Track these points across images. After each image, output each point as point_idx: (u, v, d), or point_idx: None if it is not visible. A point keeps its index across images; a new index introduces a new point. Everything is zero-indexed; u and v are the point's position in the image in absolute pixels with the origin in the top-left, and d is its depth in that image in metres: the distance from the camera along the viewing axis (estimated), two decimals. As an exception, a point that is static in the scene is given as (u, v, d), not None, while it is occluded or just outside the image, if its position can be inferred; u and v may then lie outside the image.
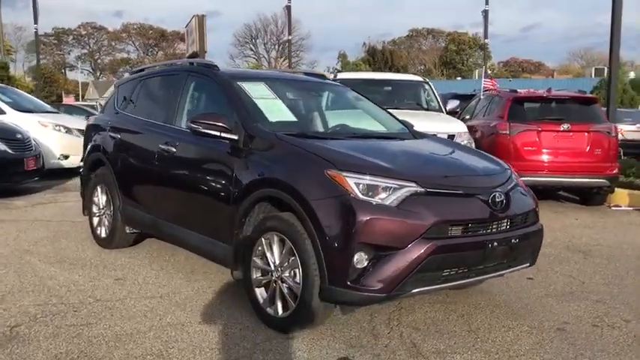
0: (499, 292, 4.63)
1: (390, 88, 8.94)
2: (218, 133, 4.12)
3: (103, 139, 5.70)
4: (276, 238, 3.74)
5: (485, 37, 26.36)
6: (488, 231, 3.60)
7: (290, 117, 4.47)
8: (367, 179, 3.42)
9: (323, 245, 3.37)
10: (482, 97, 10.31)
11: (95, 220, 5.87)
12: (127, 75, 6.90)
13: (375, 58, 46.92)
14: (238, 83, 4.55)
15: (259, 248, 3.86)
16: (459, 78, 63.31)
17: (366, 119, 4.98)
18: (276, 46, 70.99)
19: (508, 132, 8.26)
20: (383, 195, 3.39)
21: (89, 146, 5.98)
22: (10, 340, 3.50)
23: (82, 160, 9.22)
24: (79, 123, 11.30)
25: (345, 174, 3.43)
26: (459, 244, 3.45)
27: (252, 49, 72.08)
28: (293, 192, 3.55)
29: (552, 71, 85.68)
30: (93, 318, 3.90)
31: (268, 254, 3.79)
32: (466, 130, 7.87)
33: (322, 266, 3.39)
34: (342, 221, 3.32)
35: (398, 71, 49.02)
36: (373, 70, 36.55)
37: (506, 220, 3.70)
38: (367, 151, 3.85)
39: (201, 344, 3.52)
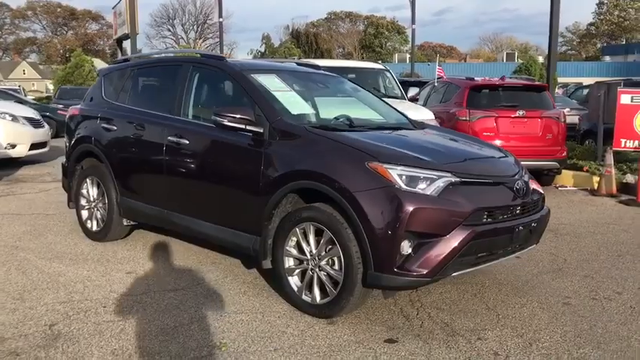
0: (497, 271, 4.96)
1: (353, 75, 9.10)
2: (243, 126, 4.17)
3: (93, 130, 5.56)
4: (312, 228, 3.87)
5: (413, 22, 27.05)
6: (515, 216, 3.90)
7: (308, 109, 4.57)
8: (409, 171, 3.61)
9: (369, 234, 3.53)
10: (436, 84, 10.72)
11: (84, 213, 5.75)
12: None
13: (300, 41, 46.94)
14: (252, 75, 4.60)
15: (293, 238, 3.97)
16: (379, 62, 64.40)
17: (369, 110, 5.15)
18: (195, 27, 69.57)
19: (468, 118, 8.68)
20: (423, 185, 3.59)
21: (75, 137, 5.81)
22: (56, 339, 3.46)
23: (34, 147, 8.84)
24: (25, 110, 10.80)
25: (386, 166, 3.61)
26: (494, 229, 3.72)
27: (169, 30, 70.27)
28: (334, 184, 3.68)
29: (465, 55, 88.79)
30: (127, 313, 3.90)
31: (303, 244, 3.92)
32: (433, 117, 8.21)
33: (367, 254, 3.56)
34: (389, 211, 3.50)
35: (322, 54, 49.35)
36: (303, 54, 36.75)
37: (526, 206, 4.01)
38: (396, 143, 4.04)
39: (249, 333, 3.62)
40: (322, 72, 5.55)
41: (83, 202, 5.75)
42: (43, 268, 4.81)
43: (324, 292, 3.85)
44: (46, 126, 11.33)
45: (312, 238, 3.88)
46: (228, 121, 4.18)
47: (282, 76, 4.84)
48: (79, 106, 6.06)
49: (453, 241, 3.53)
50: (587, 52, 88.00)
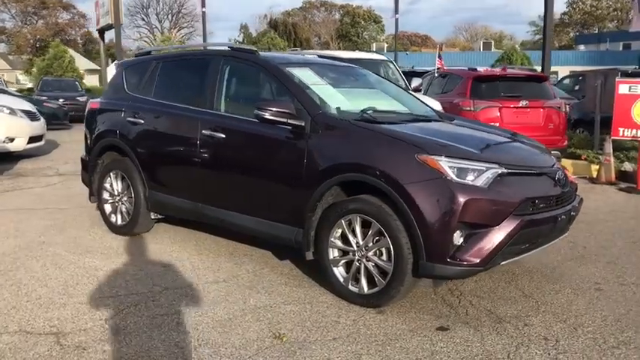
0: (523, 260, 5.04)
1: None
2: (285, 120, 4.22)
3: (117, 124, 5.54)
4: (358, 220, 3.94)
5: (396, 12, 27.07)
6: (556, 205, 4.02)
7: (345, 102, 4.62)
8: (459, 162, 3.70)
9: (421, 225, 3.61)
10: (436, 75, 10.84)
11: (107, 207, 5.74)
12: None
13: (278, 30, 46.69)
14: (288, 69, 4.63)
15: (338, 230, 4.04)
16: (357, 51, 64.46)
17: (396, 102, 5.22)
18: (169, 16, 68.58)
19: (472, 108, 8.82)
20: (472, 177, 3.68)
21: (97, 131, 5.78)
22: (116, 333, 3.49)
23: (32, 140, 8.72)
24: (22, 103, 10.65)
25: (437, 158, 3.69)
26: (540, 219, 3.84)
27: (143, 19, 69.06)
28: (384, 176, 3.75)
29: (441, 45, 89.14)
30: (177, 306, 3.93)
31: (350, 235, 3.98)
32: (441, 107, 8.32)
33: (419, 244, 3.64)
34: (442, 202, 3.59)
35: (301, 44, 49.21)
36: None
37: (565, 195, 4.14)
38: (440, 135, 4.13)
39: (304, 323, 3.68)
40: (347, 64, 5.61)
41: (106, 196, 5.74)
42: (77, 262, 4.81)
43: (371, 282, 3.93)
44: (42, 119, 11.19)
45: (358, 230, 3.95)
46: (270, 115, 4.22)
47: (314, 69, 4.89)
48: (98, 100, 6.03)
49: (504, 230, 3.63)
50: (561, 41, 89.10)
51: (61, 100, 18.69)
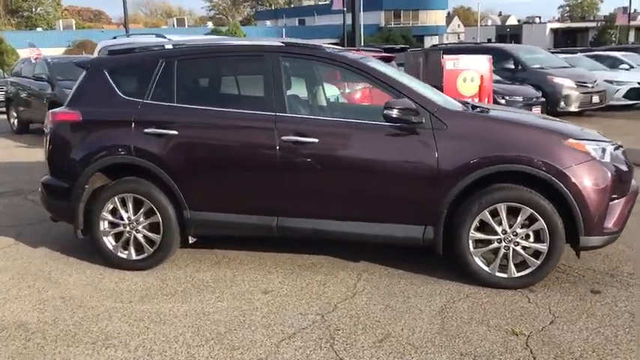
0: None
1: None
2: (410, 118, 4.11)
3: (129, 138, 4.50)
4: (504, 207, 4.11)
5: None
6: None
7: (433, 95, 4.61)
8: (595, 144, 4.16)
9: (581, 204, 3.98)
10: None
11: (109, 240, 4.68)
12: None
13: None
14: (369, 64, 4.45)
15: (478, 221, 4.14)
16: (39, 29, 58.37)
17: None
18: None
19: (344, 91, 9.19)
20: (602, 154, 4.18)
21: (88, 149, 4.61)
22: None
23: None
24: None
25: (582, 142, 4.09)
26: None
27: None
28: (542, 164, 3.97)
29: (123, 22, 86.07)
30: (370, 329, 3.64)
31: (494, 225, 4.13)
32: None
33: (578, 222, 4.00)
34: (599, 181, 4.01)
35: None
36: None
37: None
38: (543, 120, 4.52)
39: (505, 314, 3.79)
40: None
41: (105, 226, 4.67)
42: (163, 312, 3.93)
43: (520, 266, 4.16)
44: None
45: (504, 217, 4.12)
46: (397, 114, 4.08)
47: (380, 62, 4.77)
48: (72, 110, 4.75)
49: (630, 198, 4.26)
50: (239, 17, 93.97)
51: None
